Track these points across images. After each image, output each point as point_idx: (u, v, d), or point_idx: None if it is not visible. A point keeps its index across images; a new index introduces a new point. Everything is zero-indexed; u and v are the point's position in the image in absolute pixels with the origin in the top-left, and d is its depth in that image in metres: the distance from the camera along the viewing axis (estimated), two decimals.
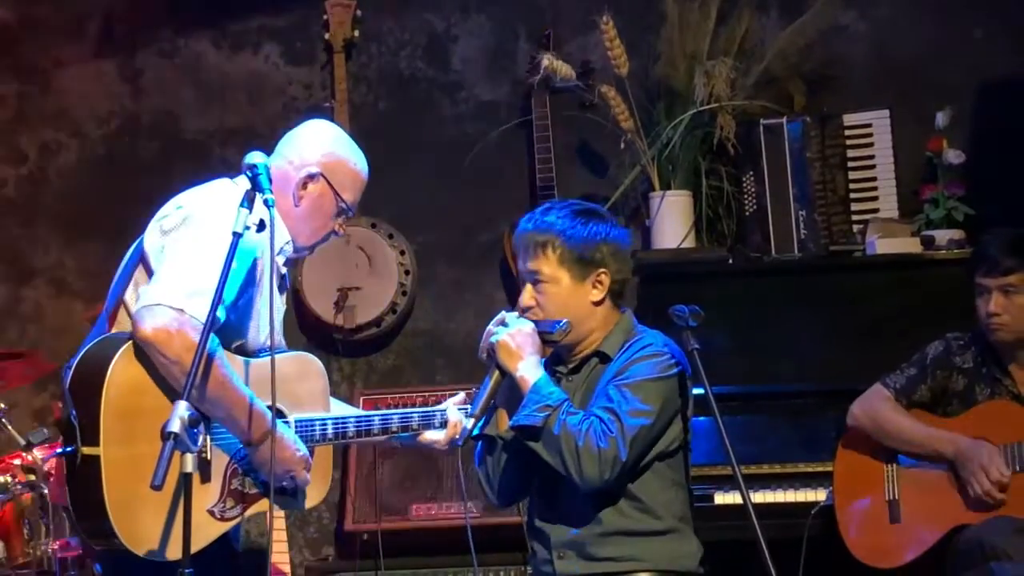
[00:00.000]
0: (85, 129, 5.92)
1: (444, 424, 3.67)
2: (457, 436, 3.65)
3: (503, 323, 3.48)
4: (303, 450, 3.45)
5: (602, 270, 3.48)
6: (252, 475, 3.42)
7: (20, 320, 5.89)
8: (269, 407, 3.31)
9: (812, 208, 5.21)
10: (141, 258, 3.45)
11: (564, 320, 3.45)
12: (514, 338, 3.43)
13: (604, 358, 3.51)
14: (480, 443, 3.57)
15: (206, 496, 3.34)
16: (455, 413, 3.66)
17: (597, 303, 3.50)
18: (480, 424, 3.48)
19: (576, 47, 5.65)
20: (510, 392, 3.46)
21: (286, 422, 3.49)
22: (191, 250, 3.34)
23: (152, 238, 3.44)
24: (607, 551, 3.42)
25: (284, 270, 3.62)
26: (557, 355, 3.58)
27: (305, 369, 3.59)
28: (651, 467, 3.44)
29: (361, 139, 3.72)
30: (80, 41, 5.93)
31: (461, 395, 3.75)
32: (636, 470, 3.41)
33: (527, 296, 3.49)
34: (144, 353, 3.26)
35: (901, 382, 4.33)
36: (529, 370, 3.41)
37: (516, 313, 3.50)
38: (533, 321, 3.47)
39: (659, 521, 3.45)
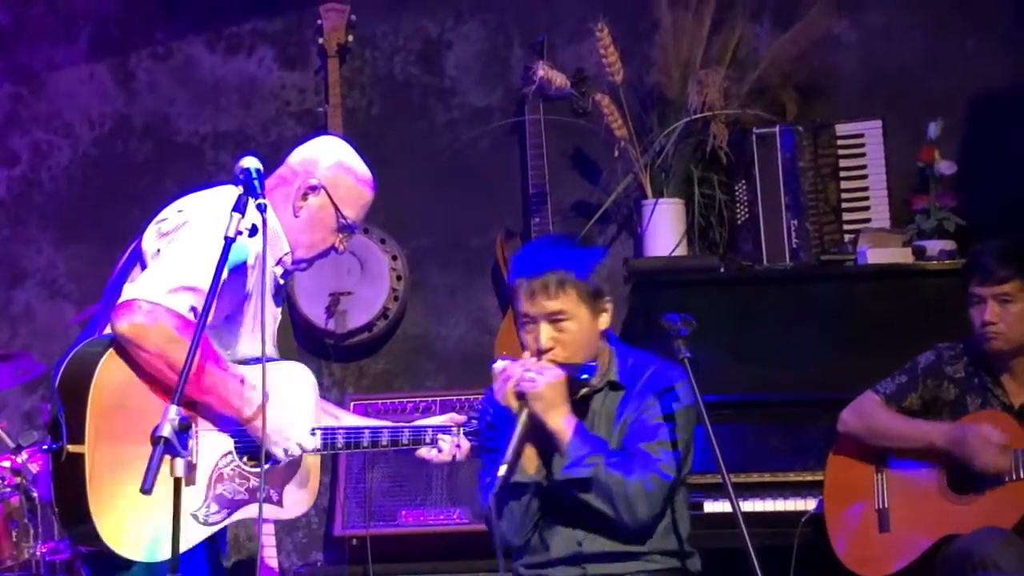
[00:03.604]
0: (78, 131, 5.92)
1: (434, 442, 3.65)
2: (460, 456, 3.66)
3: (529, 369, 3.43)
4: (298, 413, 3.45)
5: (608, 299, 3.52)
6: (254, 451, 3.40)
7: (10, 321, 5.88)
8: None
9: (804, 217, 5.22)
10: (138, 259, 3.45)
11: (594, 364, 3.48)
12: (551, 389, 3.41)
13: (617, 387, 3.54)
14: (484, 496, 3.52)
15: (190, 500, 3.34)
16: (453, 441, 3.64)
17: (604, 332, 3.54)
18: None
19: (570, 54, 5.65)
20: (538, 434, 3.45)
21: None
22: (181, 250, 3.35)
23: (149, 240, 3.45)
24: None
25: (282, 281, 3.61)
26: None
27: (295, 379, 3.59)
28: (676, 492, 3.52)
29: (354, 144, 3.72)
30: (73, 43, 5.92)
31: (451, 416, 3.73)
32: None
33: (546, 337, 3.45)
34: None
35: (891, 389, 4.34)
36: (566, 421, 3.42)
37: (533, 358, 3.46)
38: (563, 368, 3.44)
39: (685, 540, 3.54)
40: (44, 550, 4.64)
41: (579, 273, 3.45)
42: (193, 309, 3.27)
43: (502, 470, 3.36)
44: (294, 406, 3.48)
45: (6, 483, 4.66)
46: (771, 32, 5.54)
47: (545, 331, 3.45)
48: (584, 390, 3.51)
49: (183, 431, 3.02)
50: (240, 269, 3.39)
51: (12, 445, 4.67)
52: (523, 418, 3.41)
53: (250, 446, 3.42)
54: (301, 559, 5.67)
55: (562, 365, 3.45)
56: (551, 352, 3.45)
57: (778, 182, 5.23)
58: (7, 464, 4.68)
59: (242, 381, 3.35)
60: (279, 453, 3.43)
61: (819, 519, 4.42)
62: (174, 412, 3.00)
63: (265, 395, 3.28)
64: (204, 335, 3.20)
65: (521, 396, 3.42)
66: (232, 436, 3.42)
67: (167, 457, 3.01)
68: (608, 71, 5.33)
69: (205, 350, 3.27)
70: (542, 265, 3.47)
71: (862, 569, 4.28)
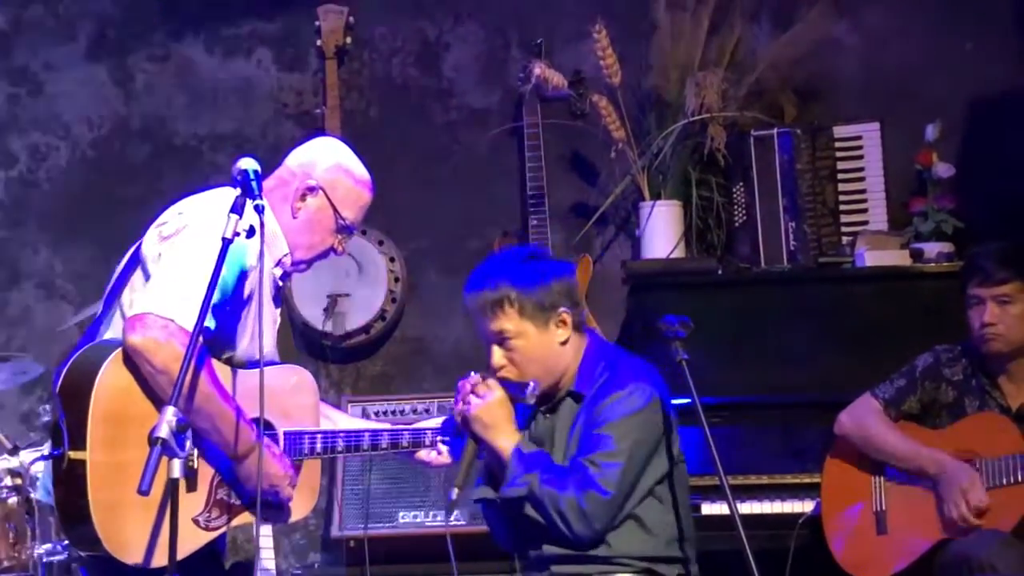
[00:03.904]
0: (76, 132, 5.91)
1: (433, 444, 3.65)
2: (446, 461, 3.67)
3: (474, 391, 3.47)
4: (287, 466, 3.44)
5: (562, 310, 3.49)
6: (236, 488, 3.41)
7: (8, 323, 5.88)
8: (256, 420, 3.30)
9: (801, 220, 5.22)
10: (139, 262, 3.44)
11: (533, 382, 3.46)
12: (487, 411, 3.44)
13: (577, 397, 3.52)
14: (483, 507, 3.60)
15: (191, 505, 3.33)
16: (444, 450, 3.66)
17: (565, 343, 3.51)
18: (464, 490, 3.46)
19: (568, 56, 5.65)
20: (491, 456, 3.48)
21: (274, 435, 3.48)
22: (187, 259, 3.32)
23: (150, 243, 3.43)
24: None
25: (281, 283, 3.60)
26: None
27: (296, 382, 3.58)
28: (652, 492, 3.47)
29: (352, 146, 3.72)
30: (72, 44, 5.92)
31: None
32: (627, 505, 3.43)
33: (497, 357, 3.49)
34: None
35: (890, 393, 4.33)
36: (505, 439, 3.44)
37: (480, 376, 3.49)
38: (504, 384, 3.46)
39: (664, 546, 3.48)
40: (41, 551, 4.63)
41: (519, 290, 3.44)
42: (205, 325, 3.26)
43: (454, 493, 3.39)
44: (292, 418, 3.46)
45: (3, 484, 4.65)
46: (770, 34, 5.54)
47: (495, 352, 3.49)
48: (543, 407, 3.53)
49: (180, 432, 3.00)
50: (242, 275, 3.38)
51: (9, 446, 4.67)
52: (470, 441, 3.47)
53: (232, 482, 3.40)
54: (299, 561, 5.67)
55: (506, 384, 3.46)
56: (502, 371, 3.49)
57: (776, 184, 5.24)
58: (4, 466, 4.67)
59: (239, 412, 3.32)
60: (269, 496, 3.41)
61: (817, 521, 4.41)
62: (171, 413, 2.99)
63: (262, 399, 3.28)
64: (208, 360, 3.24)
65: (466, 420, 3.46)
66: (219, 470, 3.40)
67: (165, 459, 3.01)
68: (606, 73, 5.34)
69: (210, 375, 3.27)
70: (479, 285, 3.49)
71: (860, 571, 4.27)
